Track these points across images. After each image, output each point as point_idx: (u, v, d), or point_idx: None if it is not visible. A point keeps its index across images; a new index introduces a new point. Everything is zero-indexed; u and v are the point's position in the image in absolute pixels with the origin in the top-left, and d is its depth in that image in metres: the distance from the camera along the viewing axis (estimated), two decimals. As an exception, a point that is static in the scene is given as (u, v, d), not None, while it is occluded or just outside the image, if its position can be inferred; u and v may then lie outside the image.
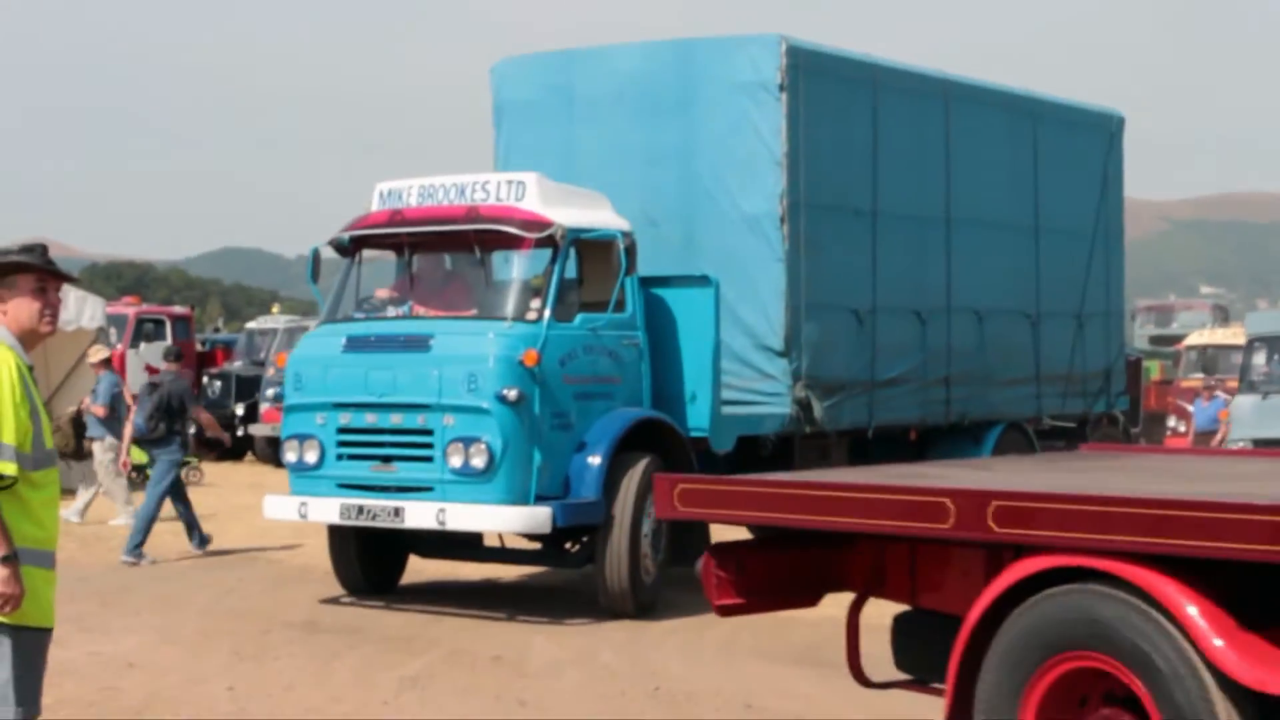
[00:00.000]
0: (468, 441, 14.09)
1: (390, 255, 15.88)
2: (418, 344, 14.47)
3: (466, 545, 15.78)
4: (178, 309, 39.19)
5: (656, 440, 15.02)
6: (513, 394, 13.98)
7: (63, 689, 10.99)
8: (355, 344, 14.83)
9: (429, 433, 14.31)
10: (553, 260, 14.62)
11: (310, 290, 16.15)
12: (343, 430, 14.75)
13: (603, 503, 14.45)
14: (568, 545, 15.40)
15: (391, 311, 15.22)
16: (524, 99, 17.51)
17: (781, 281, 16.12)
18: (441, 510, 14.12)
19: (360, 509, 14.52)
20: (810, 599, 8.25)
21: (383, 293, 15.39)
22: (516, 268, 14.90)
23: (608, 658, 13.05)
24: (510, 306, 14.53)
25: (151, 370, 33.71)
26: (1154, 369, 33.25)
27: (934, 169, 18.13)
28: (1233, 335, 35.70)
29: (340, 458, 14.77)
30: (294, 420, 15.04)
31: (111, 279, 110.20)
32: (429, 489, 14.32)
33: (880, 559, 7.81)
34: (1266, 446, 23.46)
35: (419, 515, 14.25)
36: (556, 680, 12.21)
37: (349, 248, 15.55)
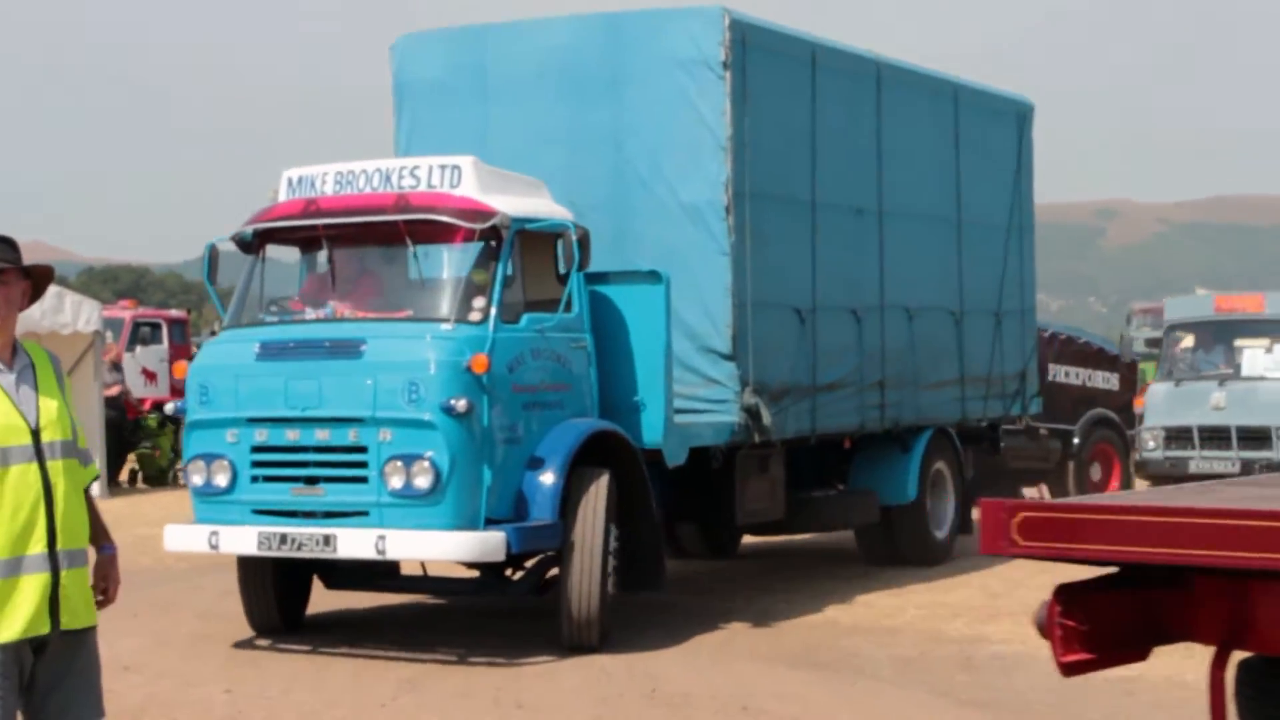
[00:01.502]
0: (409, 459, 12.40)
1: (294, 252, 14.13)
2: (347, 349, 12.74)
3: (384, 574, 14.05)
4: (174, 312, 38.29)
5: (608, 454, 13.45)
6: (461, 404, 12.33)
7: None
8: (271, 350, 13.05)
9: (362, 450, 12.57)
10: (495, 254, 13.00)
11: None
12: (258, 449, 12.94)
13: (560, 525, 12.87)
14: (508, 572, 13.75)
15: (310, 313, 13.47)
16: (429, 79, 15.83)
17: (727, 277, 14.66)
18: (381, 538, 12.40)
19: (283, 538, 12.74)
20: (1140, 651, 6.60)
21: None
22: (454, 262, 13.23)
23: (604, 660, 12.65)
24: (451, 306, 12.85)
25: (149, 374, 33.56)
26: (1150, 372, 32.97)
27: (867, 156, 16.84)
28: None
29: (255, 480, 12.96)
30: (199, 438, 13.18)
31: (108, 282, 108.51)
32: (364, 513, 12.58)
33: (1242, 603, 6.12)
34: (1177, 434, 22.98)
35: (354, 544, 12.53)
36: (554, 682, 11.97)
37: (253, 243, 13.79)
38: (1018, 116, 19.63)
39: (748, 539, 18.39)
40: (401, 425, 12.43)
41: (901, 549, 17.69)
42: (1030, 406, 19.97)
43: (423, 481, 12.35)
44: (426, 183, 13.21)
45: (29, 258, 6.46)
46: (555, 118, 15.24)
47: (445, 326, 12.66)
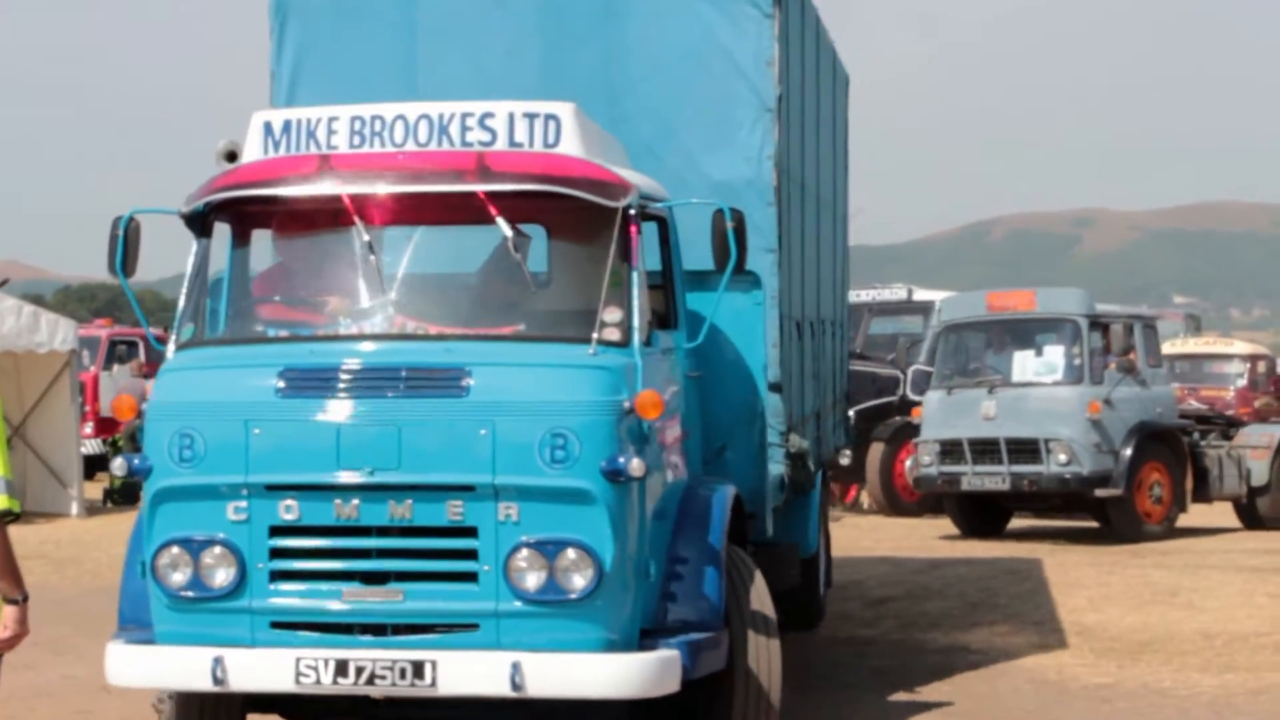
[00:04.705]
0: (553, 547, 8.29)
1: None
2: (441, 382, 8.45)
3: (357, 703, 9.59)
4: (152, 330, 35.12)
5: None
6: (635, 466, 8.34)
7: (37, 713, 11.63)
8: (306, 382, 8.54)
9: (471, 533, 8.36)
10: (625, 245, 9.03)
11: None
12: (282, 530, 8.49)
13: (727, 635, 9.07)
14: None
15: (348, 325, 9.05)
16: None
17: (774, 282, 11.04)
18: (515, 666, 8.25)
19: (342, 666, 8.36)
20: None
21: None
22: (577, 256, 9.23)
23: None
24: (588, 320, 8.78)
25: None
26: None
27: (810, 124, 13.48)
28: (1206, 344, 36.64)
29: (277, 578, 8.51)
30: (175, 515, 8.53)
31: (85, 301, 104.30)
32: (472, 626, 8.40)
33: None
34: (951, 448, 21.00)
35: (467, 675, 8.31)
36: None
37: (207, 218, 9.29)
38: (846, 85, 16.64)
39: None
40: (538, 497, 8.33)
41: (792, 610, 14.40)
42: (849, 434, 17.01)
43: (579, 580, 8.31)
44: (508, 138, 9.15)
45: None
46: (521, 61, 11.28)
47: (583, 350, 8.63)
